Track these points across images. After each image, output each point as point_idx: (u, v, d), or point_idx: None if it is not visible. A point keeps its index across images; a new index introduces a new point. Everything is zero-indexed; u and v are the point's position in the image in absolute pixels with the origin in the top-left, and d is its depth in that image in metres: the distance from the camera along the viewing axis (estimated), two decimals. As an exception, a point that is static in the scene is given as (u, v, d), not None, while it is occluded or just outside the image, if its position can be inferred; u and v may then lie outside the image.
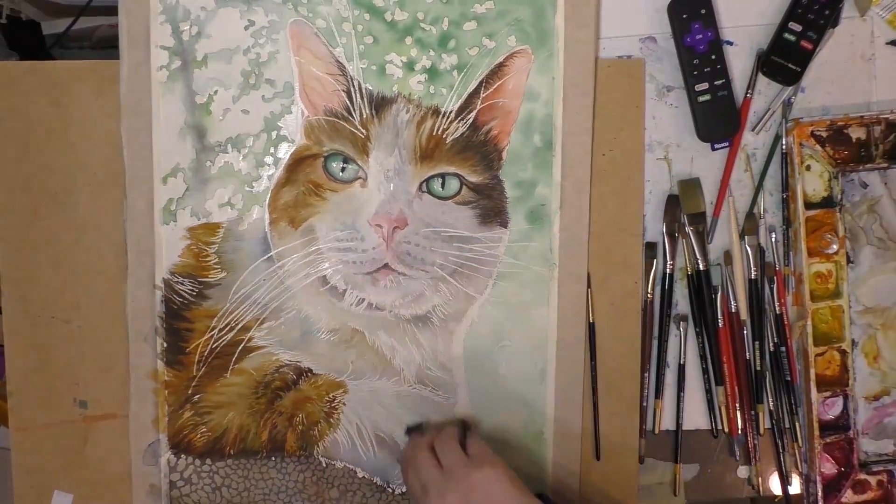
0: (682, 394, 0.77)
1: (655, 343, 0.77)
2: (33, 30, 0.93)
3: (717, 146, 0.76)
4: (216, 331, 0.72)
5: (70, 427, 0.73)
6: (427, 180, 0.72)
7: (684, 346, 0.77)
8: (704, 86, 0.74)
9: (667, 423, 0.77)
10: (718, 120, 0.75)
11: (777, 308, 0.76)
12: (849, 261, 0.77)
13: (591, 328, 0.75)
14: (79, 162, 0.72)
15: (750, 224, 0.76)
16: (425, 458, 0.65)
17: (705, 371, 0.77)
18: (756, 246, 0.76)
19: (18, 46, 0.94)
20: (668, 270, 0.76)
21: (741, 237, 0.76)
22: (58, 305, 0.73)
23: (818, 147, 0.75)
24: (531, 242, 0.74)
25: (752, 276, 0.76)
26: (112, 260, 0.72)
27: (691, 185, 0.76)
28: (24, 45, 0.94)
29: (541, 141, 0.73)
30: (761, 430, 0.77)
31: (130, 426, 0.72)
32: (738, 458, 0.78)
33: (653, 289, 0.76)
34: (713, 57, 0.74)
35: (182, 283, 0.72)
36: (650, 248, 0.76)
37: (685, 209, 0.76)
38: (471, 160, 0.72)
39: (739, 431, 0.77)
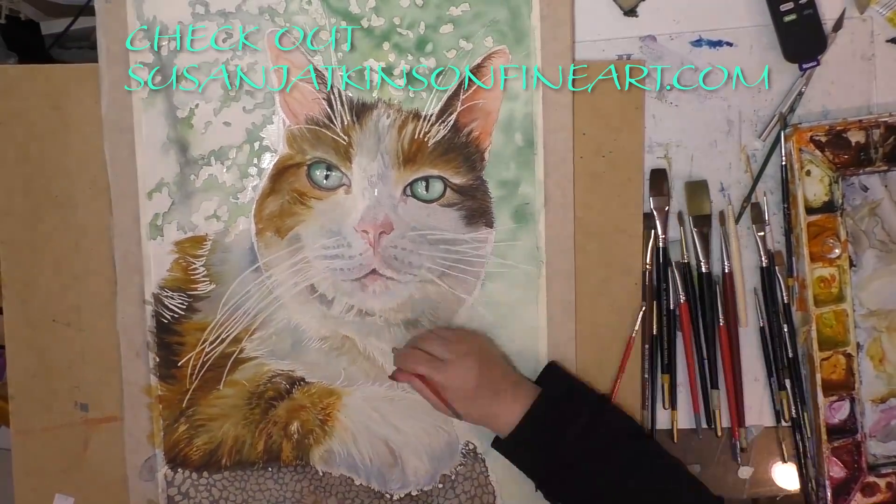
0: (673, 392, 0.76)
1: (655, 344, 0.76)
2: (32, 30, 0.93)
3: (804, 66, 0.74)
4: (207, 343, 0.73)
5: (71, 430, 0.74)
6: (411, 184, 0.72)
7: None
8: (789, 5, 0.72)
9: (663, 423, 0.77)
10: (804, 39, 0.73)
11: (784, 297, 0.75)
12: (851, 264, 0.76)
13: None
14: (79, 165, 0.73)
15: (757, 220, 0.76)
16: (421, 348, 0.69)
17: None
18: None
19: (17, 47, 0.93)
20: (661, 245, 0.75)
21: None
22: (58, 308, 0.73)
23: (818, 152, 0.73)
24: (517, 241, 0.73)
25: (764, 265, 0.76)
26: (112, 263, 0.73)
27: (698, 188, 0.75)
28: (23, 45, 0.93)
29: (522, 140, 0.73)
30: (786, 417, 0.76)
31: (126, 442, 0.73)
32: (738, 460, 0.77)
33: (651, 259, 0.75)
34: None
35: (171, 297, 0.72)
36: (647, 217, 0.75)
37: (690, 211, 0.75)
38: (453, 162, 0.72)
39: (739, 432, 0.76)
